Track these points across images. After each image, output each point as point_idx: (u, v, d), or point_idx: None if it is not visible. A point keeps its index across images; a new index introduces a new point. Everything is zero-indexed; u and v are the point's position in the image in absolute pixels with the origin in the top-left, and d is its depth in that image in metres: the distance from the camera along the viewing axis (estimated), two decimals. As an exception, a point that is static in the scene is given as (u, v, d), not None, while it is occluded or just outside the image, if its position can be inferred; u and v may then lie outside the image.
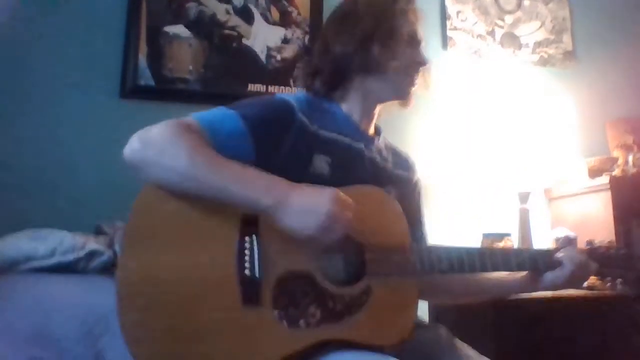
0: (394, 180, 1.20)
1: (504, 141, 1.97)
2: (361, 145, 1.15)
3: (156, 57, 1.81)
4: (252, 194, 0.91)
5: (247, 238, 0.94)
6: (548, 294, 1.68)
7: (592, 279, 1.71)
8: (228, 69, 1.89)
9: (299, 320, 0.93)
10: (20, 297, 1.13)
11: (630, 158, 2.06)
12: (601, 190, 1.85)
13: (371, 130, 1.22)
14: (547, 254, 1.15)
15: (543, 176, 1.97)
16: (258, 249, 0.94)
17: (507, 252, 1.13)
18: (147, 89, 1.79)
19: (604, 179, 1.86)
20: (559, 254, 1.13)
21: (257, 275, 0.92)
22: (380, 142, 1.23)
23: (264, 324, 0.91)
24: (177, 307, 0.89)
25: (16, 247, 1.27)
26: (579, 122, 2.24)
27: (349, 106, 1.18)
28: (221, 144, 0.97)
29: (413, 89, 1.19)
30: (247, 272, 0.92)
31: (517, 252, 1.14)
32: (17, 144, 1.64)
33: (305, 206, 0.91)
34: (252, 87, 1.90)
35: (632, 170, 2.02)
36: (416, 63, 1.17)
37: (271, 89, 1.92)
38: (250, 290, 0.91)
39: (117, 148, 0.96)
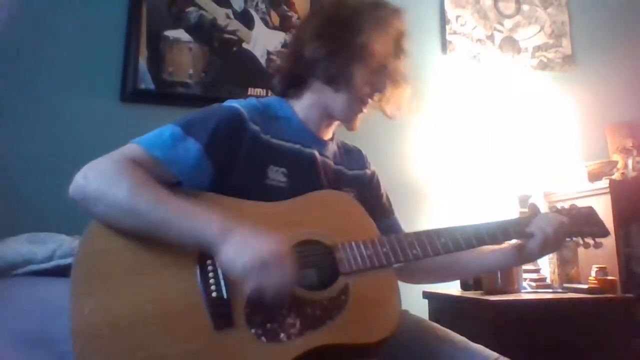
0: (351, 182, 1.19)
1: (504, 145, 1.97)
2: (313, 151, 1.12)
3: (156, 61, 1.81)
4: (196, 225, 0.87)
5: (208, 261, 0.90)
6: (549, 295, 1.68)
7: (593, 281, 1.72)
8: (228, 73, 1.89)
9: (279, 334, 0.88)
10: (19, 300, 1.13)
11: (630, 162, 2.06)
12: (601, 193, 1.85)
13: (328, 135, 1.19)
14: (517, 223, 1.13)
15: (543, 180, 1.97)
16: (222, 270, 0.89)
17: (477, 227, 1.09)
18: (147, 92, 1.79)
19: (604, 183, 1.86)
20: (530, 226, 1.10)
21: (224, 296, 0.88)
22: (334, 145, 1.21)
23: (241, 345, 0.86)
24: (143, 346, 0.82)
25: (15, 251, 1.28)
26: (579, 126, 2.25)
27: (303, 110, 1.15)
28: (178, 172, 0.95)
29: (359, 115, 1.14)
30: (214, 294, 0.87)
31: (487, 225, 1.10)
32: (16, 146, 1.63)
33: (245, 241, 0.86)
34: (252, 91, 1.91)
35: (631, 173, 2.03)
36: (372, 90, 1.11)
37: (271, 93, 1.92)
38: (220, 313, 0.87)
39: (117, 152, 0.96)
